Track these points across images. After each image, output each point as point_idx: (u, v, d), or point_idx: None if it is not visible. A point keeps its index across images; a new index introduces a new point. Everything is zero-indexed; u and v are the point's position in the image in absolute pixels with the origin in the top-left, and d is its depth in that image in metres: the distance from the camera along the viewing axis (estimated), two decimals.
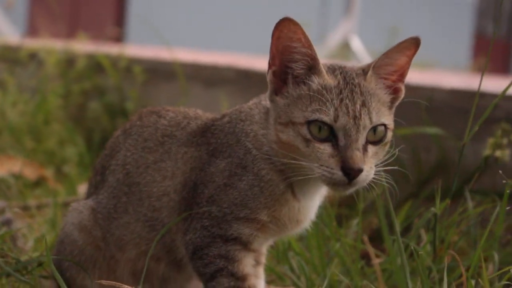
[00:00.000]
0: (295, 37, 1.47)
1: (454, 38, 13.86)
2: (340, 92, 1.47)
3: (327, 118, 1.44)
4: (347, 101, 1.46)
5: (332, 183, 1.45)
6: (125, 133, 1.74)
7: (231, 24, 11.05)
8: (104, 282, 1.43)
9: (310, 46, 1.48)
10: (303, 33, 1.47)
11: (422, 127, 2.50)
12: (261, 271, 1.71)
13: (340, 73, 1.51)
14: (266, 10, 11.05)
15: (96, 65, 3.74)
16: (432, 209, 1.76)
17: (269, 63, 1.53)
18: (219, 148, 1.59)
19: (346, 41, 7.10)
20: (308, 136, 1.45)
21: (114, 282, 1.43)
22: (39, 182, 2.95)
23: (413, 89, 2.66)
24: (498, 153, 2.22)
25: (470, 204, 2.13)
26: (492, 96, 2.45)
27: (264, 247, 1.71)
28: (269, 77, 1.53)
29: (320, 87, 1.47)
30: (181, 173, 1.62)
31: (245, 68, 3.16)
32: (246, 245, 1.56)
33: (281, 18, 1.46)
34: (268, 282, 1.87)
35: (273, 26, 1.48)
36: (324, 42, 7.36)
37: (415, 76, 3.09)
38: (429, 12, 13.57)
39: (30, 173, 2.98)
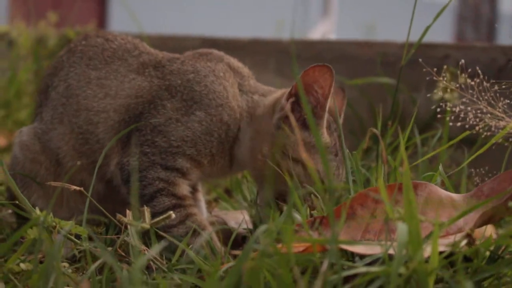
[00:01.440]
0: (323, 84, 1.56)
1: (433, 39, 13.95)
2: (336, 154, 1.64)
3: None
4: (340, 168, 1.65)
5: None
6: (70, 51, 1.79)
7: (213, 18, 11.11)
8: (52, 183, 1.47)
9: (327, 99, 1.58)
10: (331, 86, 1.56)
11: (375, 78, 2.57)
12: (200, 195, 1.79)
13: (335, 130, 1.65)
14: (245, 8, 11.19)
15: (67, 43, 3.80)
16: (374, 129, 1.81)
17: (290, 92, 1.61)
18: (179, 89, 1.65)
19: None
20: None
21: (62, 183, 1.47)
22: (9, 148, 3.00)
23: (368, 46, 2.74)
24: (447, 95, 2.30)
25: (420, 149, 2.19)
26: (444, 47, 2.53)
27: (199, 185, 1.82)
28: (286, 105, 1.60)
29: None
30: (125, 96, 1.67)
31: (211, 37, 3.22)
32: (185, 175, 1.63)
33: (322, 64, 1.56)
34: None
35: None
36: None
37: None
38: (407, 12, 13.66)
39: (1, 140, 3.05)
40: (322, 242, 1.16)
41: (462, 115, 1.53)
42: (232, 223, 1.73)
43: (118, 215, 1.37)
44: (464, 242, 1.19)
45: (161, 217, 1.40)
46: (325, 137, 1.63)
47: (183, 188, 1.63)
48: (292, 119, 1.57)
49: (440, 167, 1.47)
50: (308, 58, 2.82)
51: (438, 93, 2.33)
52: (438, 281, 1.20)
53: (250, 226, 1.67)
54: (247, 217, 1.71)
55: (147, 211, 1.39)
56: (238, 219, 1.75)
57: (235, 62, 1.77)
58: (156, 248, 1.35)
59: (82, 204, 1.68)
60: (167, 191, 1.59)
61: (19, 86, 3.38)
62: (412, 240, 1.11)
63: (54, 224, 1.35)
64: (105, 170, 1.67)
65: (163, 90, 1.65)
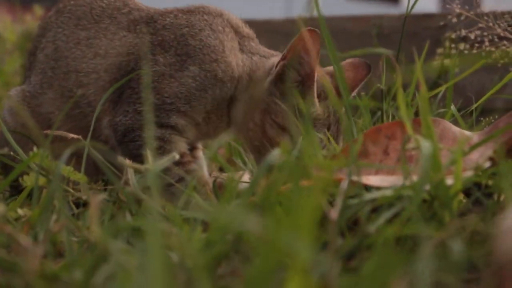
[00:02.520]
0: (310, 50, 1.50)
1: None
2: (328, 128, 1.58)
3: None
4: (336, 127, 1.59)
5: None
6: (58, 12, 1.72)
7: None
8: (48, 132, 1.40)
9: (314, 66, 1.52)
10: (317, 52, 1.50)
11: (373, 49, 2.52)
12: (199, 153, 1.72)
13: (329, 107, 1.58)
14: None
15: None
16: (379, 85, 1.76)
17: (284, 55, 1.55)
18: (173, 43, 1.58)
19: None
20: None
21: (60, 132, 1.40)
22: None
23: (364, 20, 2.70)
24: (446, 62, 2.25)
25: None
26: (440, 17, 2.48)
27: (198, 143, 1.73)
28: (277, 68, 1.55)
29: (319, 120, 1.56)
30: (116, 54, 1.60)
31: None
32: (180, 133, 1.57)
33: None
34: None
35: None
36: None
37: None
38: None
39: None
40: (342, 164, 1.09)
41: (477, 43, 1.48)
42: None
43: (120, 158, 1.30)
44: (487, 165, 1.13)
45: (165, 159, 1.33)
46: (316, 107, 1.56)
47: (180, 145, 1.56)
48: (274, 77, 1.55)
49: (452, 106, 1.41)
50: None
51: (438, 61, 2.29)
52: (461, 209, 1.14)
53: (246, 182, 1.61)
54: (247, 177, 1.65)
55: (149, 154, 1.31)
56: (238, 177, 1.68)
57: (235, 19, 1.70)
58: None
59: (77, 164, 1.61)
60: (163, 150, 1.53)
61: (6, 77, 3.33)
62: (433, 164, 1.05)
63: (51, 168, 1.27)
64: (99, 133, 1.61)
65: (155, 45, 1.59)
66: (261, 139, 1.54)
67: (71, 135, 1.39)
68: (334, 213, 0.96)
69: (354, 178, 1.05)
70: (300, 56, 1.51)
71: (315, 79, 1.53)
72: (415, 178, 1.07)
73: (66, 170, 1.30)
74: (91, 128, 1.48)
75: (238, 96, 1.60)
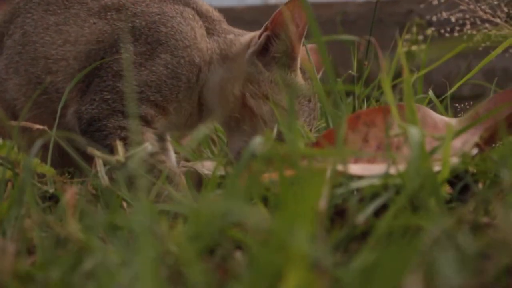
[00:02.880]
0: (298, 21, 1.49)
1: None
2: (309, 101, 1.57)
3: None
4: (311, 115, 1.57)
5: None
6: None
7: None
8: (13, 122, 1.34)
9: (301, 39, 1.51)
10: (305, 25, 1.47)
11: (338, 36, 2.49)
12: (168, 145, 1.67)
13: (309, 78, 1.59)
14: None
15: None
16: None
17: (266, 26, 1.53)
18: (144, 31, 1.54)
19: None
20: None
21: (25, 122, 1.33)
22: None
23: (327, 6, 2.67)
24: (414, 47, 2.23)
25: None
26: (406, 2, 2.46)
27: (167, 134, 1.69)
28: (260, 39, 1.53)
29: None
30: (86, 41, 1.55)
31: None
32: (149, 123, 1.52)
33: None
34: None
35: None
36: None
37: None
38: None
39: None
40: (329, 154, 1.05)
41: (458, 26, 1.45)
42: (204, 171, 1.61)
43: (90, 148, 1.24)
44: (474, 151, 1.10)
45: (136, 150, 1.27)
46: (299, 79, 1.54)
47: (148, 137, 1.51)
48: (256, 48, 1.54)
49: (430, 92, 1.39)
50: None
51: (406, 47, 2.27)
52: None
53: (223, 173, 1.57)
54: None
55: (119, 144, 1.25)
56: (210, 166, 1.64)
57: (203, 5, 1.67)
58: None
59: (43, 156, 1.54)
60: (130, 140, 1.47)
61: None
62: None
63: (18, 160, 1.21)
64: (65, 122, 1.55)
65: (126, 33, 1.53)
66: (242, 112, 1.51)
67: (37, 126, 1.33)
68: (322, 203, 0.92)
69: (340, 167, 1.00)
70: (285, 27, 1.48)
71: (299, 50, 1.52)
72: (401, 166, 1.04)
73: (33, 162, 1.23)
74: (58, 115, 1.43)
75: (211, 77, 1.57)
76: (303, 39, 1.50)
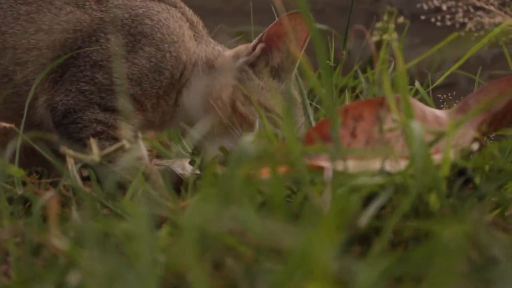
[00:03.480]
0: (299, 35, 1.46)
1: None
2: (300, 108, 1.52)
3: None
4: (300, 114, 1.53)
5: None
6: None
7: None
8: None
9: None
10: (307, 38, 1.45)
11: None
12: (140, 142, 1.59)
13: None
14: None
15: None
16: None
17: (261, 37, 1.49)
18: (126, 22, 1.46)
19: None
20: None
21: None
22: None
23: None
24: (385, 36, 2.18)
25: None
26: None
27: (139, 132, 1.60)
28: (256, 51, 1.49)
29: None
30: (61, 30, 1.46)
31: None
32: (126, 118, 1.44)
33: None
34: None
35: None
36: None
37: None
38: None
39: None
40: (324, 150, 0.98)
41: (449, 15, 1.39)
42: (179, 170, 1.54)
43: (63, 147, 1.16)
44: (475, 146, 1.04)
45: (112, 148, 1.19)
46: (293, 91, 1.52)
47: (125, 131, 1.43)
48: (250, 59, 1.50)
49: (417, 83, 1.33)
50: (229, 12, 2.66)
51: (377, 36, 2.22)
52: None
53: (198, 172, 1.50)
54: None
55: (93, 143, 1.17)
56: (184, 165, 1.56)
57: (190, 13, 1.61)
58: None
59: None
60: (106, 135, 1.41)
61: None
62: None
63: None
64: (33, 115, 1.46)
65: (106, 23, 1.46)
66: (231, 118, 1.45)
67: (3, 124, 1.24)
68: (324, 205, 0.85)
69: (339, 165, 0.94)
70: (283, 39, 1.43)
71: (297, 63, 1.50)
72: (398, 163, 0.99)
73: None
74: (26, 108, 1.34)
75: (193, 80, 1.50)
76: (302, 51, 1.45)
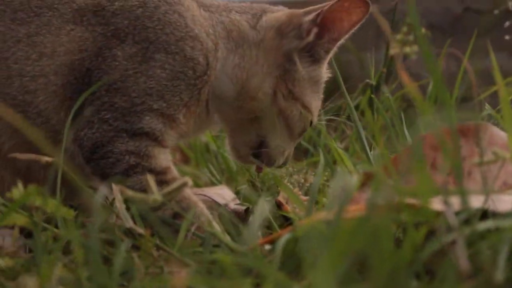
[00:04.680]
0: (354, 18, 1.36)
1: None
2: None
3: None
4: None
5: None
6: None
7: None
8: (18, 155, 1.13)
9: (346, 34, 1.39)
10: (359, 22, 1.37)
11: None
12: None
13: None
14: None
15: None
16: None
17: (315, 19, 1.36)
18: (128, 30, 1.33)
19: None
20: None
21: (30, 155, 1.11)
22: None
23: (303, 4, 2.51)
24: (407, 49, 2.10)
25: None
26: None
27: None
28: (310, 37, 1.36)
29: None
30: (65, 52, 1.33)
31: None
32: (159, 142, 1.32)
33: None
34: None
35: None
36: None
37: None
38: None
39: None
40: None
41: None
42: (220, 200, 1.43)
43: (120, 187, 1.03)
44: None
45: (173, 186, 1.06)
46: (324, 73, 1.43)
47: (161, 159, 1.31)
48: (299, 43, 1.37)
49: (487, 106, 1.24)
50: None
51: (394, 49, 2.13)
52: None
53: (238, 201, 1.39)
54: (231, 193, 1.44)
55: (151, 181, 1.04)
56: (224, 195, 1.45)
57: None
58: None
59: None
60: (141, 167, 1.28)
61: None
62: None
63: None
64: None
65: (109, 37, 1.33)
66: (265, 112, 1.35)
67: (45, 158, 1.11)
68: (464, 262, 0.75)
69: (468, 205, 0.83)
70: (342, 22, 1.36)
71: (338, 43, 1.39)
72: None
73: (51, 204, 1.02)
74: (64, 143, 1.22)
75: (219, 66, 1.37)
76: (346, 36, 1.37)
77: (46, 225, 1.06)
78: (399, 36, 2.10)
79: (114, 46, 1.31)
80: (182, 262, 1.01)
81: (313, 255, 0.78)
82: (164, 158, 1.31)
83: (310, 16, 1.36)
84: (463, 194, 0.82)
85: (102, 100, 1.29)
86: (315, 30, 1.35)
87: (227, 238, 1.06)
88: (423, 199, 0.80)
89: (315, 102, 1.40)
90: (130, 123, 1.29)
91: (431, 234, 0.86)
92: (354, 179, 0.87)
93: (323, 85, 1.43)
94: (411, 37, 2.12)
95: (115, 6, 1.36)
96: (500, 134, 1.15)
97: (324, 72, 1.42)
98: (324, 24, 1.36)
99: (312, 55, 1.37)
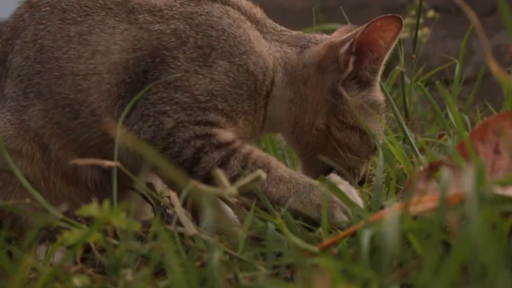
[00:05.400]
0: (388, 36, 1.35)
1: None
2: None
3: None
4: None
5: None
6: (32, 7, 1.39)
7: None
8: (78, 161, 1.09)
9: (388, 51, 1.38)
10: (396, 37, 1.35)
11: (323, 25, 2.31)
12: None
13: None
14: None
15: None
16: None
17: (350, 49, 1.35)
18: (190, 33, 1.31)
19: None
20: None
21: (92, 160, 1.07)
22: None
23: None
24: (419, 33, 2.08)
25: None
26: None
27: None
28: (349, 67, 1.36)
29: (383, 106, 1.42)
30: (120, 50, 1.31)
31: None
32: (223, 128, 1.30)
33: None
34: None
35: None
36: None
37: None
38: None
39: None
40: None
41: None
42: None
43: (192, 181, 0.99)
44: None
45: (248, 179, 1.03)
46: (379, 92, 1.41)
47: (226, 134, 1.29)
48: (339, 75, 1.37)
49: None
50: None
51: (405, 32, 2.12)
52: None
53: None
54: None
55: (221, 175, 1.01)
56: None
57: (247, 5, 1.44)
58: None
59: (77, 195, 1.31)
60: (210, 146, 1.25)
61: None
62: None
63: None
64: (111, 149, 1.27)
65: (168, 36, 1.31)
66: (325, 143, 1.35)
67: (108, 163, 1.07)
68: None
69: None
70: (377, 43, 1.30)
71: (383, 62, 1.38)
72: None
73: (119, 218, 0.99)
74: (116, 150, 1.19)
75: (276, 93, 1.37)
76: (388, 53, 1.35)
77: (115, 241, 1.03)
78: (407, 20, 2.09)
79: (174, 47, 1.30)
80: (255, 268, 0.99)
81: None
82: (228, 134, 1.30)
83: (345, 47, 1.35)
84: None
85: (159, 95, 1.28)
86: (352, 59, 1.34)
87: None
88: None
89: (375, 125, 1.38)
90: (193, 115, 1.27)
91: None
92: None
93: (383, 105, 1.41)
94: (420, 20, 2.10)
95: (174, 10, 1.35)
96: None
97: (379, 92, 1.40)
98: (361, 49, 1.35)
99: (359, 81, 1.36)
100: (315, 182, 1.20)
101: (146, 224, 1.27)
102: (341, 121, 1.34)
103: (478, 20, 1.84)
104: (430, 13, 2.06)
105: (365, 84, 1.37)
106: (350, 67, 1.34)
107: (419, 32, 2.08)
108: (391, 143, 1.23)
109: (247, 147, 1.27)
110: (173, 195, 1.06)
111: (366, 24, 1.32)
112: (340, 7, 1.83)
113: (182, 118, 1.26)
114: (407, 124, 1.47)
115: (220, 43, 1.30)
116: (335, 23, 2.32)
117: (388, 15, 1.32)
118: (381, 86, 1.39)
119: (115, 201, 1.11)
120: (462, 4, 0.89)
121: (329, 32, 2.29)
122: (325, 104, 1.35)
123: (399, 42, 2.08)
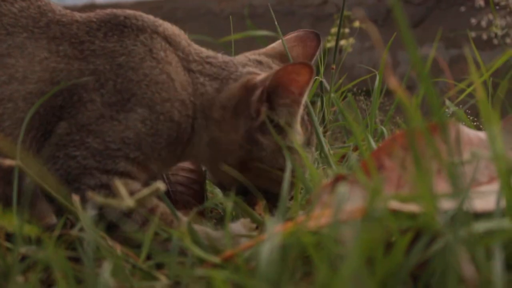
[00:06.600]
0: (301, 81, 1.25)
1: None
2: (308, 142, 1.38)
3: None
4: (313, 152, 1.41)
5: None
6: None
7: None
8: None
9: (302, 95, 1.28)
10: (309, 81, 1.26)
11: (251, 32, 2.30)
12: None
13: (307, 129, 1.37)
14: None
15: None
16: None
17: (261, 97, 1.27)
18: (109, 75, 1.25)
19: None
20: None
21: None
22: None
23: (231, 1, 2.47)
24: (343, 42, 2.09)
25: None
26: None
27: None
28: (261, 116, 1.27)
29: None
30: (37, 80, 1.24)
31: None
32: (132, 178, 1.25)
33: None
34: None
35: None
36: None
37: None
38: None
39: None
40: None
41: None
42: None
43: (91, 193, 0.97)
44: None
45: (145, 191, 1.01)
46: (299, 132, 1.33)
47: (134, 185, 1.24)
48: (255, 124, 1.29)
49: (448, 102, 1.24)
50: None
51: (331, 41, 2.12)
52: None
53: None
54: None
55: (120, 186, 0.99)
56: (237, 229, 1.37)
57: (169, 28, 1.35)
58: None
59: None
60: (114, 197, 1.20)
61: None
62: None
63: None
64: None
65: (87, 76, 1.25)
66: (250, 173, 1.29)
67: (8, 162, 1.04)
68: (469, 270, 0.74)
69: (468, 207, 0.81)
70: (289, 90, 1.27)
71: (302, 104, 1.29)
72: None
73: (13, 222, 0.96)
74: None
75: (195, 139, 1.32)
76: (305, 96, 1.29)
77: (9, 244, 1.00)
78: (333, 29, 2.10)
79: (92, 89, 1.24)
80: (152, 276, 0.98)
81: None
82: (136, 184, 1.25)
83: (256, 94, 1.27)
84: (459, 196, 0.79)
85: (72, 137, 1.22)
86: (264, 107, 1.27)
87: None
88: (425, 204, 0.77)
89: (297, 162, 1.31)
90: (103, 163, 1.22)
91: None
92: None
93: (306, 142, 1.37)
94: (346, 30, 2.11)
95: (95, 45, 1.28)
96: (466, 132, 1.15)
97: (298, 132, 1.33)
98: (274, 94, 1.28)
99: (277, 125, 1.28)
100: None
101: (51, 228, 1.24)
102: (257, 166, 1.29)
103: (408, 31, 1.85)
104: (356, 24, 2.07)
105: (282, 128, 1.29)
106: (262, 116, 1.28)
107: (345, 42, 2.09)
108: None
109: (156, 202, 1.23)
110: (77, 199, 1.04)
111: (275, 70, 1.26)
112: (271, 12, 1.81)
113: (91, 164, 1.21)
114: (324, 135, 1.46)
115: (141, 89, 1.25)
116: (263, 29, 2.31)
117: (296, 63, 1.29)
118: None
119: (15, 204, 1.08)
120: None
121: (258, 38, 2.29)
122: (241, 149, 1.30)
123: (324, 51, 2.09)
